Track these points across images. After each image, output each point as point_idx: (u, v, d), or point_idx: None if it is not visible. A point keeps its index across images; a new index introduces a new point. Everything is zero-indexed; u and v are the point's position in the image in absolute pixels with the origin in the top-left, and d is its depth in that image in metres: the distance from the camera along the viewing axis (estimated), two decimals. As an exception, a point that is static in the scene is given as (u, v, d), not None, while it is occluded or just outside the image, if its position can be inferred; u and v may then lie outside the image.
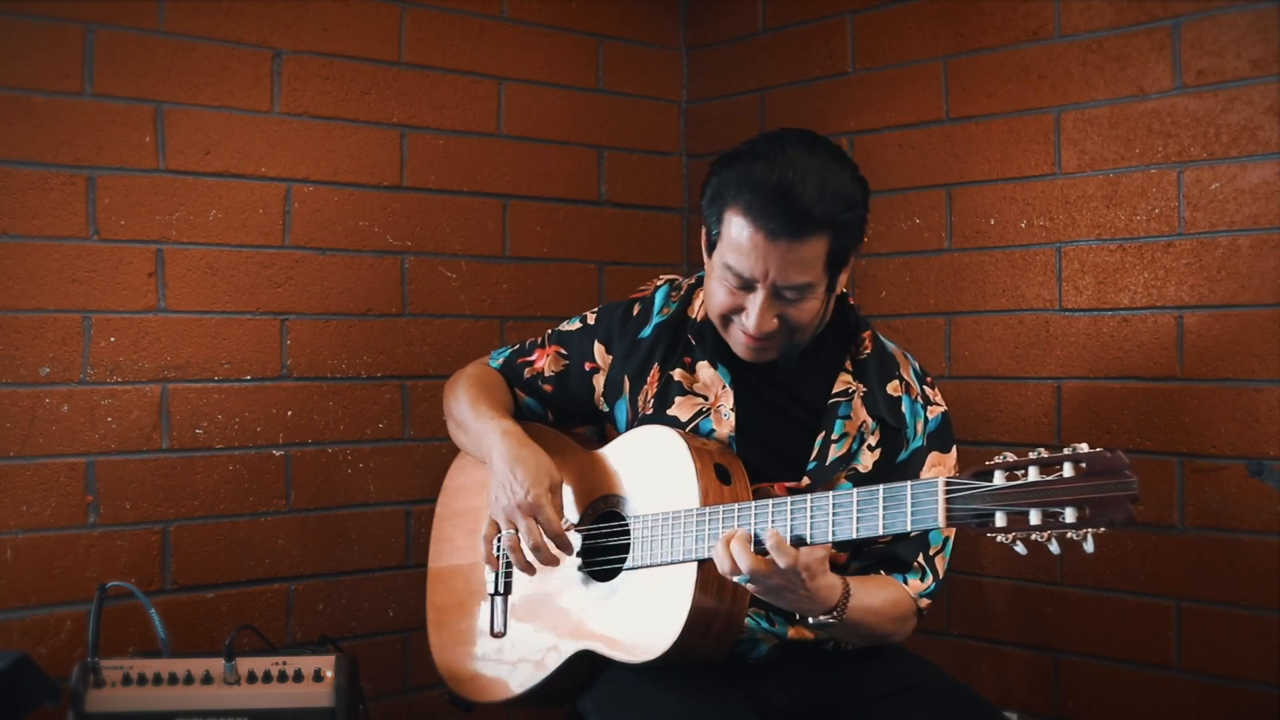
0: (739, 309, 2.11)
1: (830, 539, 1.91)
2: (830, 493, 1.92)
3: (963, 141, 2.91)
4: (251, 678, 2.36)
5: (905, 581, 2.17)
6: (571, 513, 2.26)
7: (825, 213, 2.02)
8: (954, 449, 2.28)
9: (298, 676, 2.37)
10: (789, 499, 1.96)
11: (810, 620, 2.03)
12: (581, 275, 3.30)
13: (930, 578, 2.19)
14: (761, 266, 2.04)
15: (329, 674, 2.37)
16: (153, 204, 2.69)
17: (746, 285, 2.08)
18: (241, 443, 2.81)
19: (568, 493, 2.28)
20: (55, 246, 2.59)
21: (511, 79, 3.17)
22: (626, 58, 3.38)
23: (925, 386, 2.29)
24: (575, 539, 2.20)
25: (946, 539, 2.23)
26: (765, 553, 1.93)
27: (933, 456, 2.24)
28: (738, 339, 2.16)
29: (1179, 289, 2.60)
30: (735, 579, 1.96)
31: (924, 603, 2.19)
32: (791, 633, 2.18)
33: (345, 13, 2.92)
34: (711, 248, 2.14)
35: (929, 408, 2.26)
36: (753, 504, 2.00)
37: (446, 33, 3.07)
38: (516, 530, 2.16)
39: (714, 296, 2.15)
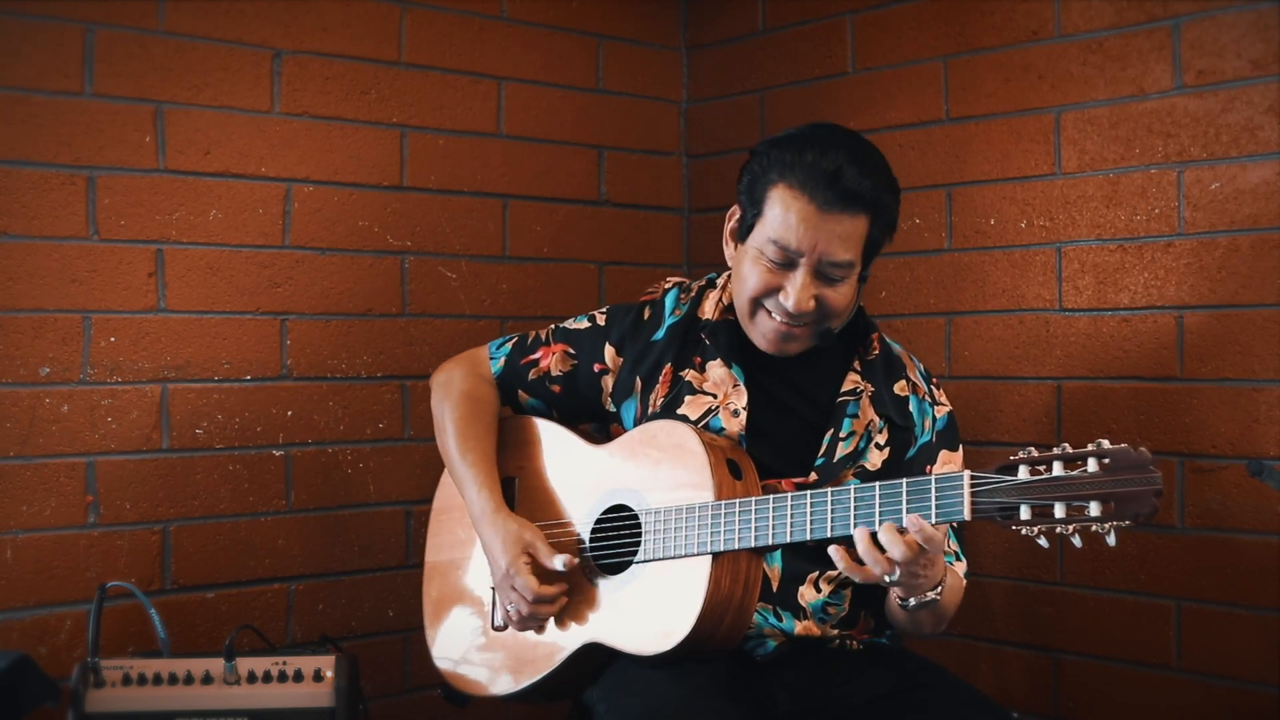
0: (776, 289, 2.13)
1: (851, 532, 1.93)
2: (851, 486, 1.95)
3: (963, 141, 2.91)
4: (251, 678, 2.36)
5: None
6: (581, 508, 2.27)
7: (872, 192, 2.09)
8: (961, 448, 2.31)
9: (298, 676, 2.37)
10: (809, 493, 1.99)
11: (913, 601, 2.01)
12: (581, 275, 3.30)
13: (964, 561, 2.24)
14: (810, 238, 2.08)
15: (329, 674, 2.38)
16: (153, 204, 2.69)
17: (789, 262, 2.11)
18: (241, 443, 2.81)
19: (576, 489, 2.29)
20: (55, 246, 2.59)
21: (511, 79, 3.17)
22: (626, 58, 3.38)
23: (931, 387, 2.33)
24: (562, 561, 2.19)
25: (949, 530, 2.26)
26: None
27: (943, 455, 2.27)
28: (766, 327, 2.18)
29: (1179, 289, 2.60)
30: (887, 578, 1.92)
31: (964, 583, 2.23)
32: (799, 629, 2.18)
33: (345, 13, 2.92)
34: (747, 232, 2.17)
35: (936, 407, 2.30)
36: (770, 498, 2.01)
37: (446, 33, 3.07)
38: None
39: (747, 281, 2.16)
